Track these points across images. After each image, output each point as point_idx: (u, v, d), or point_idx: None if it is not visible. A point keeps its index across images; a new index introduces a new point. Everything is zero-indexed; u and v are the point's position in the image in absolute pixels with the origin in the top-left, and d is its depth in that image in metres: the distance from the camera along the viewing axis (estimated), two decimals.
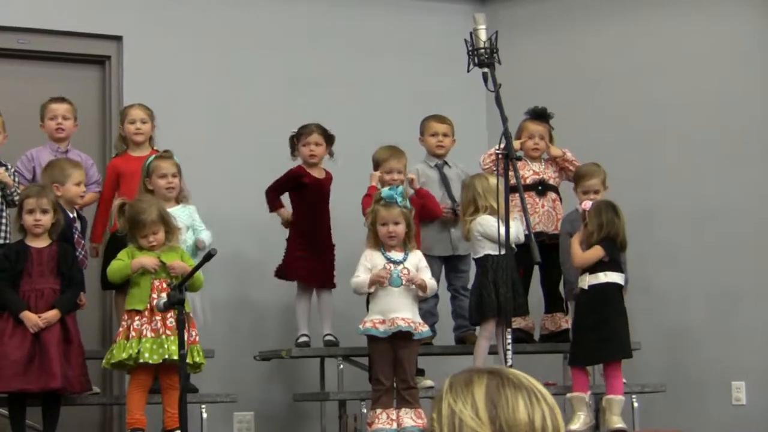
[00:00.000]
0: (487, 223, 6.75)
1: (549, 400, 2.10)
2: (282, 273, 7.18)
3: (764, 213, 7.89)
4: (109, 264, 6.44)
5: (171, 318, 5.99)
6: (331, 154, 7.26)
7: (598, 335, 6.74)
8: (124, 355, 6.05)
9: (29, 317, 6.03)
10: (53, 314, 6.07)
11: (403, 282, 6.47)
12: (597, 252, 6.77)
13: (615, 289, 6.81)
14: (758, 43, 8.06)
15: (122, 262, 6.22)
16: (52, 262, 6.19)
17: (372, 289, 6.48)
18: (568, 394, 6.81)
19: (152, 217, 6.21)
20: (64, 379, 6.02)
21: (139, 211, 6.22)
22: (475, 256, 6.91)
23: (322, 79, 8.13)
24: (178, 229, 6.35)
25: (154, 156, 6.68)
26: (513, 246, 6.53)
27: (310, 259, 7.11)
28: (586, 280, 6.82)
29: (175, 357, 5.90)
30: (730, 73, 8.07)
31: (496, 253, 6.56)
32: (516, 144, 7.18)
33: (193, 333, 6.20)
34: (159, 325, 6.07)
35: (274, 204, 7.22)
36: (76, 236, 6.53)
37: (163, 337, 6.05)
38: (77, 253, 6.50)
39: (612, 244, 6.80)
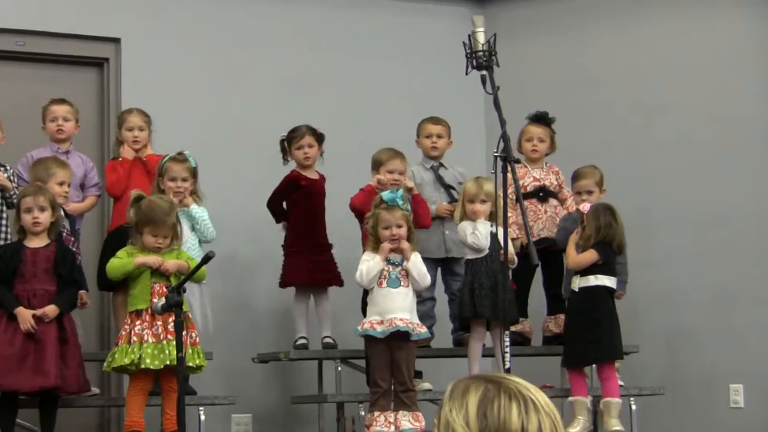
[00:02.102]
0: (460, 229, 6.85)
1: (548, 409, 2.09)
2: (285, 281, 7.18)
3: (764, 215, 7.89)
4: (106, 262, 6.45)
5: (173, 322, 5.97)
6: (321, 154, 7.25)
7: (588, 337, 6.75)
8: (126, 361, 6.04)
9: (23, 313, 6.00)
10: (51, 309, 6.05)
11: (399, 280, 6.47)
12: (591, 255, 6.78)
13: (605, 291, 6.81)
14: (758, 44, 8.06)
15: (123, 260, 6.20)
16: (48, 263, 6.16)
17: (383, 263, 6.42)
18: (570, 398, 6.82)
19: (172, 220, 6.23)
20: (61, 379, 6.00)
21: (159, 211, 6.20)
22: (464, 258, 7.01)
23: (320, 80, 8.13)
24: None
25: (168, 157, 6.67)
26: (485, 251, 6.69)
27: (310, 262, 7.11)
28: (577, 283, 6.83)
29: None
30: (729, 74, 8.07)
31: (475, 257, 6.76)
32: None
33: (193, 334, 6.19)
34: (160, 330, 6.05)
35: (280, 215, 7.23)
36: (65, 234, 6.52)
37: (164, 342, 6.03)
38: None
39: (607, 247, 6.80)
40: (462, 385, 2.12)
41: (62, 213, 6.51)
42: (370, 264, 6.47)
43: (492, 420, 2.05)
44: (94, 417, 7.58)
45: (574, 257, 6.84)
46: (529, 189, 7.36)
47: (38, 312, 6.02)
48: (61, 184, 6.51)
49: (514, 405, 2.07)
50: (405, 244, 6.47)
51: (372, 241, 6.55)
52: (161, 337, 6.04)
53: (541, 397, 2.10)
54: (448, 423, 2.08)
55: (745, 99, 8.02)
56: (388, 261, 6.51)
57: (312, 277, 7.12)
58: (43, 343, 6.00)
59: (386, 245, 6.43)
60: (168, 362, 5.98)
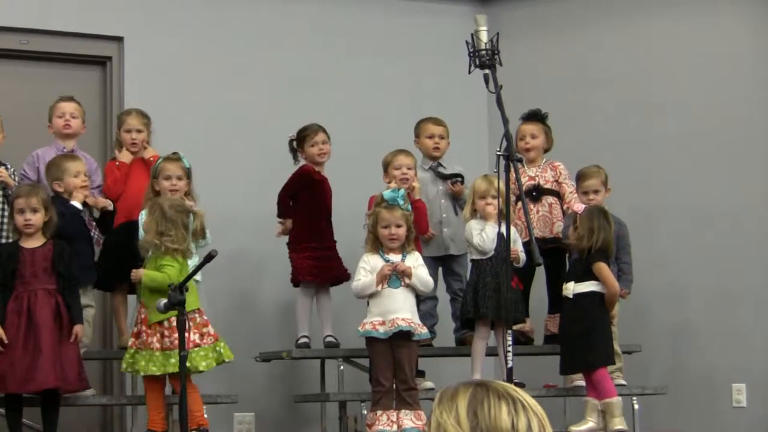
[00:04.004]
0: (467, 228, 6.85)
1: (537, 410, 2.15)
2: (297, 277, 7.12)
3: (765, 214, 7.88)
4: (106, 262, 6.69)
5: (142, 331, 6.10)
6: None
7: (581, 343, 6.72)
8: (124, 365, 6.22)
9: None
10: (80, 328, 6.15)
11: (399, 280, 6.47)
12: (608, 269, 6.74)
13: (597, 297, 6.77)
14: (757, 44, 8.05)
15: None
16: (46, 261, 6.15)
17: (380, 288, 6.46)
18: (585, 398, 6.81)
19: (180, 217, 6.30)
20: (61, 379, 6.01)
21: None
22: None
23: (322, 79, 8.13)
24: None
25: (162, 157, 6.67)
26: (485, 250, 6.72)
27: (320, 259, 7.09)
28: (571, 289, 6.81)
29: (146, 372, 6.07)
30: (730, 73, 8.07)
31: (480, 258, 6.80)
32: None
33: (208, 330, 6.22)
34: (158, 337, 6.12)
35: (286, 211, 7.19)
36: (87, 218, 6.54)
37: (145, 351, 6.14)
38: (91, 234, 6.51)
39: (604, 254, 6.76)
40: (450, 390, 2.18)
41: (75, 208, 6.52)
42: (365, 282, 6.49)
43: (483, 418, 2.10)
44: (97, 416, 7.58)
45: (613, 279, 6.79)
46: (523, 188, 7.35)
47: (77, 338, 6.10)
48: (76, 175, 6.51)
49: (504, 404, 2.12)
50: (402, 266, 6.47)
51: (371, 239, 6.56)
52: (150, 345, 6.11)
53: (528, 398, 2.15)
54: (440, 425, 2.13)
55: (745, 98, 8.02)
56: (386, 261, 6.51)
57: (323, 275, 7.10)
58: (42, 345, 5.99)
59: (385, 269, 6.45)
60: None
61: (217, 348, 6.21)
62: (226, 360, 6.29)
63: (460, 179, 7.35)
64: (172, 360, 6.01)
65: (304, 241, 7.12)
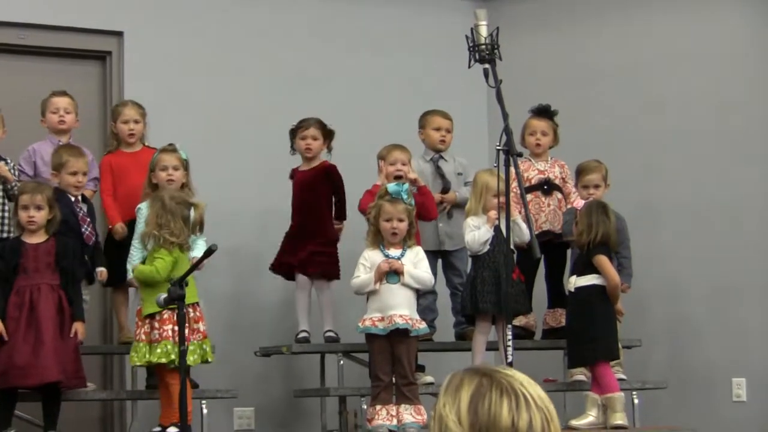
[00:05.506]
0: (466, 223, 6.84)
1: (541, 404, 2.10)
2: (272, 267, 7.22)
3: (764, 210, 7.88)
4: (107, 259, 6.68)
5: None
6: (329, 149, 7.25)
7: (586, 337, 6.72)
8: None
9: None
10: (80, 326, 6.17)
11: (398, 275, 6.47)
12: (608, 261, 6.74)
13: (599, 290, 6.76)
14: (758, 42, 8.05)
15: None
16: (49, 257, 6.17)
17: (377, 286, 6.45)
18: (586, 392, 6.81)
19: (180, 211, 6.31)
20: (62, 372, 6.02)
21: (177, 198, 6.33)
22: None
23: (322, 74, 8.12)
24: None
25: (159, 149, 6.68)
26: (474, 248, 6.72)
27: (294, 250, 7.10)
28: (573, 283, 6.81)
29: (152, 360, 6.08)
30: (730, 71, 8.06)
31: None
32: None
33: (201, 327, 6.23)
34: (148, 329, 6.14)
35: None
36: (81, 215, 6.52)
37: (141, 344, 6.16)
38: (83, 230, 6.49)
39: (606, 248, 6.76)
40: (457, 379, 2.13)
41: (80, 197, 6.51)
42: (364, 279, 6.49)
43: (482, 415, 2.06)
44: (97, 410, 7.59)
45: (614, 272, 6.78)
46: (533, 182, 7.37)
47: (78, 337, 6.14)
48: (73, 174, 6.50)
49: (505, 401, 2.07)
50: (397, 264, 6.45)
51: (372, 232, 6.54)
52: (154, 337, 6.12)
53: (534, 392, 2.10)
54: (442, 417, 2.09)
55: (746, 93, 8.01)
56: (387, 257, 6.50)
57: (297, 267, 7.09)
58: (43, 340, 6.00)
59: (383, 266, 6.43)
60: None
61: (204, 346, 6.22)
62: (209, 360, 6.29)
63: (448, 186, 7.34)
64: (158, 350, 6.03)
65: (289, 234, 7.17)
